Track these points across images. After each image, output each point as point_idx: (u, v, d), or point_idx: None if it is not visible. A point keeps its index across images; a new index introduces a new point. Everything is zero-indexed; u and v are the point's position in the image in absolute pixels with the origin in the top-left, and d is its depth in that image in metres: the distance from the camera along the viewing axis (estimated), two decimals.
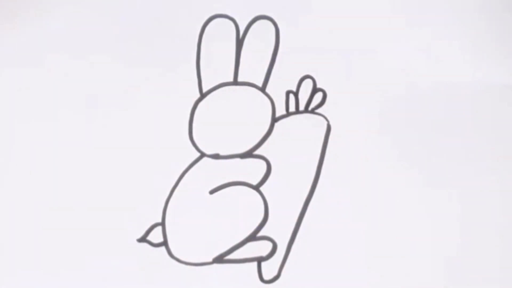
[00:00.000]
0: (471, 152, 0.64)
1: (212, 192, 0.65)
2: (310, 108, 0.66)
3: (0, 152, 0.67)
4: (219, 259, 0.65)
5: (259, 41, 0.67)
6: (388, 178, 0.64)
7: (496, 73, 0.65)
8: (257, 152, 0.66)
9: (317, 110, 0.66)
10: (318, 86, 0.66)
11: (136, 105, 0.67)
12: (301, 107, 0.66)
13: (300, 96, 0.66)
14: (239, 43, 0.67)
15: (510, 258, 0.63)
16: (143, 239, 0.65)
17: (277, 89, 0.66)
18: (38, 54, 0.68)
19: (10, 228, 0.66)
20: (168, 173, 0.66)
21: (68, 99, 0.67)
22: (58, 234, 0.66)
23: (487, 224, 0.63)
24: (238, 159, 0.66)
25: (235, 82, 0.67)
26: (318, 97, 0.66)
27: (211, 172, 0.66)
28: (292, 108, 0.66)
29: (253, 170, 0.65)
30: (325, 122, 0.66)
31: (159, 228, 0.66)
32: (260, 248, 0.64)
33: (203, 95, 0.67)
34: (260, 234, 0.65)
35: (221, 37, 0.67)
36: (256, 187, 0.65)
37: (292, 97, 0.66)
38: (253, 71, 0.66)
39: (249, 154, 0.66)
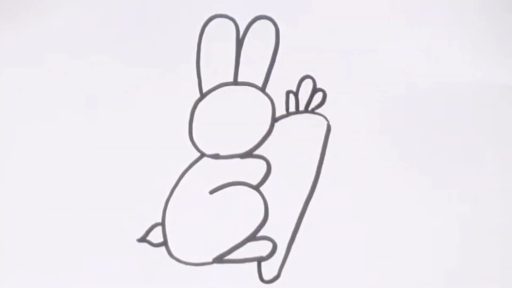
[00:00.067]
0: (471, 152, 0.64)
1: (212, 192, 0.65)
2: (310, 108, 0.66)
3: (0, 152, 0.67)
4: (219, 259, 0.65)
5: (259, 41, 0.67)
6: (388, 178, 0.64)
7: (496, 73, 0.65)
8: (257, 152, 0.66)
9: (317, 110, 0.66)
10: (318, 86, 0.66)
11: (136, 105, 0.67)
12: (301, 107, 0.66)
13: (300, 96, 0.66)
14: (239, 43, 0.67)
15: (510, 258, 0.63)
16: (143, 239, 0.65)
17: (277, 89, 0.66)
18: (38, 54, 0.68)
19: (10, 228, 0.66)
20: (168, 173, 0.66)
21: (68, 99, 0.67)
22: (58, 234, 0.66)
23: (487, 224, 0.63)
24: (238, 159, 0.66)
25: (235, 82, 0.67)
26: (318, 97, 0.66)
27: (211, 172, 0.66)
28: (292, 108, 0.66)
29: (253, 170, 0.65)
30: (325, 122, 0.66)
31: (159, 228, 0.66)
32: (260, 248, 0.64)
33: (203, 95, 0.67)
34: (260, 234, 0.65)
35: (221, 37, 0.67)
36: (256, 187, 0.65)
37: (292, 97, 0.66)
38: (253, 71, 0.66)
39: (249, 154, 0.66)
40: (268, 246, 0.64)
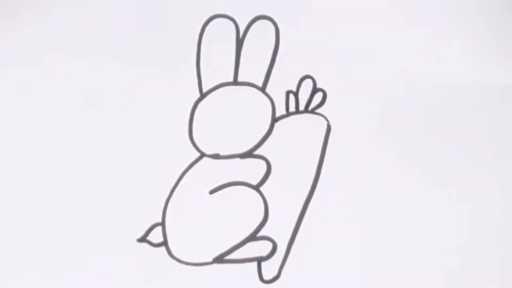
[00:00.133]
0: (471, 152, 0.64)
1: (212, 192, 0.65)
2: (310, 108, 0.66)
3: (0, 152, 0.67)
4: (219, 259, 0.65)
5: (259, 41, 0.66)
6: (388, 178, 0.64)
7: (496, 73, 0.65)
8: (257, 152, 0.66)
9: (317, 110, 0.66)
10: (318, 86, 0.66)
11: (136, 105, 0.67)
12: (301, 107, 0.66)
13: (300, 96, 0.66)
14: (239, 43, 0.67)
15: (510, 258, 0.63)
16: (143, 239, 0.65)
17: (277, 89, 0.66)
18: (38, 54, 0.68)
19: (10, 228, 0.66)
20: (168, 173, 0.66)
21: (68, 99, 0.67)
22: (58, 234, 0.66)
23: (487, 224, 0.63)
24: (238, 159, 0.66)
25: (235, 82, 0.67)
26: (318, 97, 0.66)
27: (211, 172, 0.66)
28: (292, 108, 0.66)
29: (253, 170, 0.65)
30: (325, 122, 0.66)
31: (159, 228, 0.66)
32: (260, 248, 0.64)
33: (203, 95, 0.67)
34: (260, 234, 0.65)
35: (221, 37, 0.67)
36: (256, 187, 0.65)
37: (292, 97, 0.66)
38: (253, 71, 0.66)
39: (249, 154, 0.66)
40: (268, 246, 0.64)
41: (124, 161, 0.66)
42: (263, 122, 0.66)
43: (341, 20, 0.66)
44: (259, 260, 0.64)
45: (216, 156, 0.66)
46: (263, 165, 0.65)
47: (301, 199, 0.65)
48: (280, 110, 0.66)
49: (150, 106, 0.67)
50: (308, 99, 0.66)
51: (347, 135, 0.65)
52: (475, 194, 0.64)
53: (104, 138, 0.67)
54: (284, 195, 0.65)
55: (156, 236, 0.66)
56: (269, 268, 0.64)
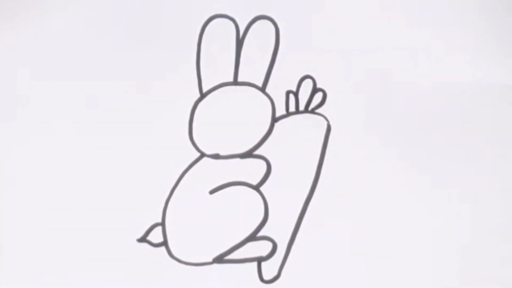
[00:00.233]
0: (471, 152, 0.64)
1: (212, 192, 0.65)
2: (310, 108, 0.66)
3: (0, 152, 0.67)
4: (219, 259, 0.65)
5: (259, 41, 0.66)
6: (388, 178, 0.64)
7: (496, 73, 0.65)
8: (257, 152, 0.66)
9: (317, 110, 0.66)
10: (318, 86, 0.66)
11: (136, 105, 0.67)
12: (301, 107, 0.66)
13: (300, 96, 0.66)
14: (239, 43, 0.67)
15: (510, 258, 0.63)
16: (143, 239, 0.65)
17: (277, 89, 0.66)
18: (38, 54, 0.68)
19: (10, 228, 0.66)
20: (168, 173, 0.66)
21: (68, 99, 0.67)
22: (58, 234, 0.66)
23: (487, 224, 0.63)
24: (238, 159, 0.66)
25: (235, 82, 0.67)
26: (318, 97, 0.66)
27: (211, 172, 0.66)
28: (292, 108, 0.66)
29: (253, 170, 0.65)
30: (325, 122, 0.66)
31: (159, 228, 0.66)
32: (260, 248, 0.64)
33: (203, 95, 0.67)
34: (260, 234, 0.65)
35: (221, 37, 0.67)
36: (256, 187, 0.65)
37: (292, 97, 0.66)
38: (253, 71, 0.66)
39: (249, 154, 0.66)
40: (268, 246, 0.64)
41: (124, 161, 0.66)
42: (263, 122, 0.66)
43: (341, 20, 0.66)
44: (259, 260, 0.64)
45: (216, 156, 0.66)
46: (263, 165, 0.65)
47: (301, 199, 0.65)
48: (280, 110, 0.66)
49: (150, 106, 0.67)
50: (308, 99, 0.66)
51: (347, 135, 0.65)
52: (475, 194, 0.64)
53: (104, 138, 0.67)
54: (284, 195, 0.65)
55: (156, 236, 0.66)
56: (269, 268, 0.64)
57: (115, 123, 0.67)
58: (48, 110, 0.67)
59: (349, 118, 0.65)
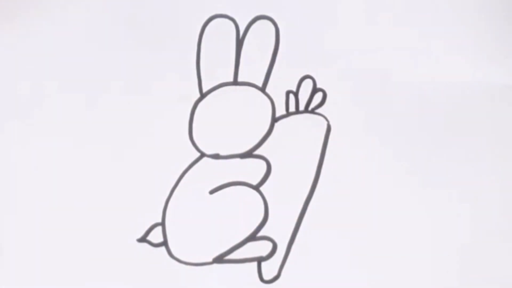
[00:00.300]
0: (471, 152, 0.64)
1: (212, 192, 0.65)
2: (310, 108, 0.66)
3: (0, 152, 0.67)
4: (219, 259, 0.65)
5: (259, 41, 0.66)
6: (388, 178, 0.64)
7: (496, 73, 0.65)
8: (257, 152, 0.66)
9: (317, 110, 0.66)
10: (318, 86, 0.66)
11: (136, 105, 0.67)
12: (301, 107, 0.66)
13: (300, 96, 0.66)
14: (239, 43, 0.67)
15: (510, 258, 0.63)
16: (143, 239, 0.65)
17: (277, 89, 0.66)
18: (38, 54, 0.68)
19: (10, 228, 0.66)
20: (168, 173, 0.66)
21: (68, 99, 0.67)
22: (58, 234, 0.66)
23: (487, 224, 0.63)
24: (238, 159, 0.66)
25: (235, 82, 0.67)
26: (318, 97, 0.66)
27: (211, 172, 0.66)
28: (292, 108, 0.66)
29: (253, 170, 0.65)
30: (325, 122, 0.66)
31: (159, 228, 0.66)
32: (260, 248, 0.64)
33: (203, 95, 0.67)
34: (260, 234, 0.65)
35: (221, 37, 0.67)
36: (256, 187, 0.65)
37: (292, 97, 0.66)
38: (253, 71, 0.66)
39: (249, 154, 0.66)
40: (268, 246, 0.64)
41: (124, 161, 0.66)
42: (263, 122, 0.66)
43: (341, 20, 0.66)
44: (259, 260, 0.64)
45: (216, 156, 0.66)
46: (263, 165, 0.65)
47: (301, 199, 0.65)
48: (280, 110, 0.66)
49: (150, 106, 0.67)
50: (308, 99, 0.66)
51: (347, 135, 0.65)
52: (475, 194, 0.64)
53: (104, 138, 0.67)
54: (284, 195, 0.65)
55: (156, 236, 0.66)
56: (269, 268, 0.64)
57: (115, 123, 0.67)
58: (48, 110, 0.67)
59: (349, 118, 0.65)
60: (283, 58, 0.66)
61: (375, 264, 0.63)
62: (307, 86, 0.66)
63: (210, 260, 0.65)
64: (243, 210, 0.65)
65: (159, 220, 0.66)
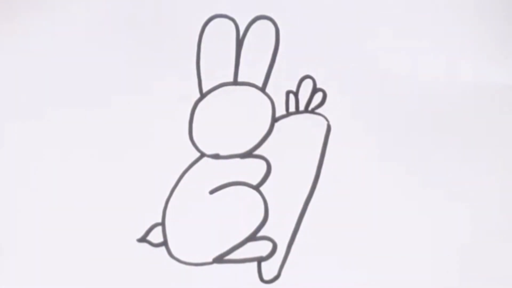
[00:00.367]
0: (471, 152, 0.64)
1: (212, 192, 0.65)
2: (310, 108, 0.66)
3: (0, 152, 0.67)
4: (219, 259, 0.65)
5: (259, 41, 0.66)
6: (388, 178, 0.64)
7: (496, 73, 0.65)
8: (257, 152, 0.66)
9: (317, 110, 0.66)
10: (318, 86, 0.66)
11: (136, 105, 0.67)
12: (301, 107, 0.66)
13: (300, 96, 0.66)
14: (239, 43, 0.67)
15: (510, 258, 0.63)
16: (143, 239, 0.66)
17: (277, 89, 0.66)
18: (38, 54, 0.68)
19: (10, 228, 0.66)
20: (168, 173, 0.66)
21: (68, 99, 0.67)
22: (58, 234, 0.66)
23: (487, 224, 0.63)
24: (238, 159, 0.66)
25: (235, 82, 0.67)
26: (318, 97, 0.66)
27: (211, 172, 0.66)
28: (292, 108, 0.66)
29: (253, 170, 0.65)
30: (325, 122, 0.66)
31: (159, 228, 0.66)
32: (260, 248, 0.64)
33: (203, 95, 0.67)
34: (260, 234, 0.65)
35: (221, 37, 0.67)
36: (256, 187, 0.65)
37: (292, 97, 0.66)
38: (253, 71, 0.66)
39: (249, 154, 0.66)
40: (268, 246, 0.64)
41: (124, 161, 0.66)
42: (263, 122, 0.66)
43: (341, 20, 0.66)
44: (259, 260, 0.64)
45: (216, 156, 0.66)
46: (263, 165, 0.65)
47: (301, 199, 0.65)
48: (280, 110, 0.66)
49: (150, 106, 0.67)
50: (308, 99, 0.66)
51: (347, 135, 0.65)
52: (475, 194, 0.64)
53: (104, 138, 0.67)
54: (284, 195, 0.65)
55: (156, 236, 0.66)
56: (269, 268, 0.64)
57: (115, 123, 0.67)
58: (48, 110, 0.67)
59: (349, 118, 0.65)
60: (283, 58, 0.66)
61: (375, 264, 0.63)
62: (307, 86, 0.66)
63: (210, 260, 0.65)
64: (243, 210, 0.65)
65: (159, 220, 0.66)
